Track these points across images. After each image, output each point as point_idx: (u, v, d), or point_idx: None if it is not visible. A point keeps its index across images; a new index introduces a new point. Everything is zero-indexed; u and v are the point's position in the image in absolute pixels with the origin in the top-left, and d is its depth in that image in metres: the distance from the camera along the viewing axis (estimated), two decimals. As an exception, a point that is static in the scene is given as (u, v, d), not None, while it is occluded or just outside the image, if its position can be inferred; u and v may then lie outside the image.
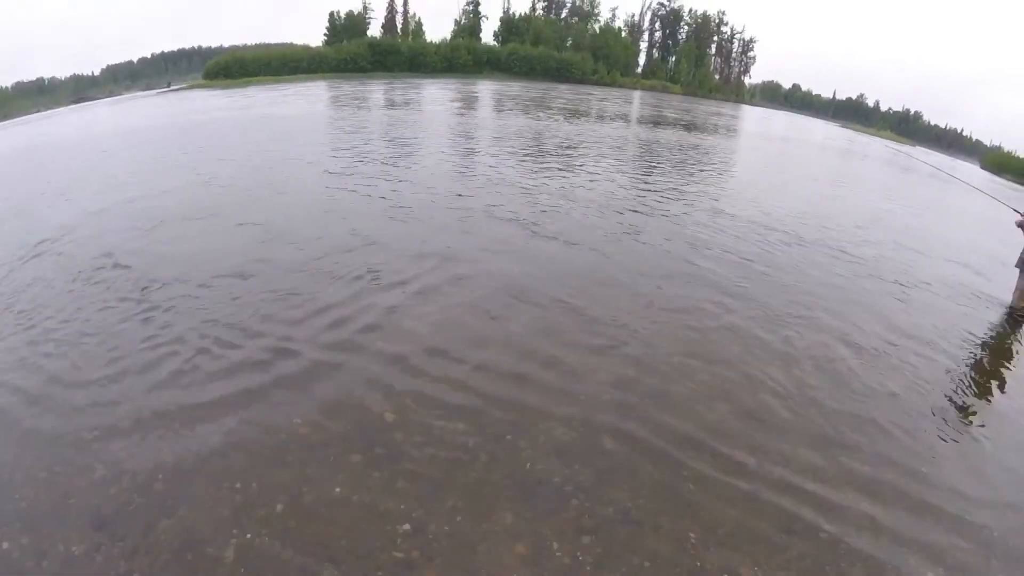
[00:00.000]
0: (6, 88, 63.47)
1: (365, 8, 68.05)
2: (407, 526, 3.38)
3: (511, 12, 72.70)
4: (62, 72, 74.64)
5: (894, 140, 51.66)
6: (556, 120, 25.12)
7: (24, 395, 4.62)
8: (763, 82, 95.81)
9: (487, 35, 72.43)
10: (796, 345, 5.87)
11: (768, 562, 3.33)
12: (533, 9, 75.11)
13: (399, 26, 69.57)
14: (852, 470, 4.16)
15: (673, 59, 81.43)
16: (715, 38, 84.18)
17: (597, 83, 64.23)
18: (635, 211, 10.52)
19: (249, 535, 3.29)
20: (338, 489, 3.64)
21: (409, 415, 4.35)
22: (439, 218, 9.11)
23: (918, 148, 47.94)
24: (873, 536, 3.59)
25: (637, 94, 59.01)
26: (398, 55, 60.77)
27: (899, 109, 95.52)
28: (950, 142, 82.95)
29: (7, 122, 39.98)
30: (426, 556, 3.20)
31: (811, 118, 69.15)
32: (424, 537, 3.32)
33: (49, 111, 46.92)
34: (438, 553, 3.22)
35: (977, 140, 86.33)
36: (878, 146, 39.65)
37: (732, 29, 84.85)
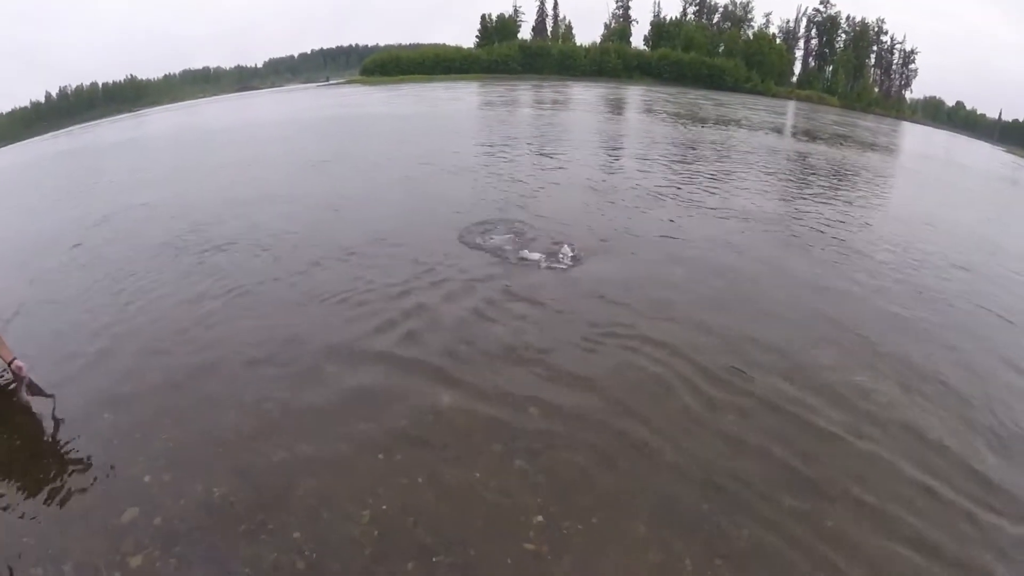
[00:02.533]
0: (175, 75, 70.62)
1: (516, 11, 69.13)
2: (540, 518, 3.18)
3: (662, 16, 71.00)
4: (227, 63, 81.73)
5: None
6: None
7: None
8: (925, 97, 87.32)
9: (637, 39, 71.23)
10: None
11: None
12: (684, 14, 72.76)
13: (549, 29, 70.07)
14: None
15: (830, 69, 76.01)
16: (874, 48, 77.43)
17: (750, 91, 61.17)
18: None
19: (385, 506, 3.21)
20: (478, 474, 3.47)
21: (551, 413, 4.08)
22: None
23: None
24: None
25: (792, 104, 55.56)
26: (548, 57, 61.29)
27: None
28: None
29: (176, 104, 44.62)
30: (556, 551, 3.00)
31: (974, 139, 61.33)
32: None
33: (215, 96, 51.69)
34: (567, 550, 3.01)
35: None
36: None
37: (892, 39, 77.64)
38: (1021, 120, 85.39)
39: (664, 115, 27.73)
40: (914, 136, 41.11)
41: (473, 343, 4.93)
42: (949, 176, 21.84)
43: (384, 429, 3.82)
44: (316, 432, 3.79)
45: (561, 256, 6.73)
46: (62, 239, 7.92)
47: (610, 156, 14.92)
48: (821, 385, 4.59)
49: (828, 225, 9.49)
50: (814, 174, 15.01)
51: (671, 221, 8.80)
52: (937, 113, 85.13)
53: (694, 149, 16.89)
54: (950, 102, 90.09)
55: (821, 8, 75.31)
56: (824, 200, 11.53)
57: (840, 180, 14.55)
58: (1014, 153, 54.50)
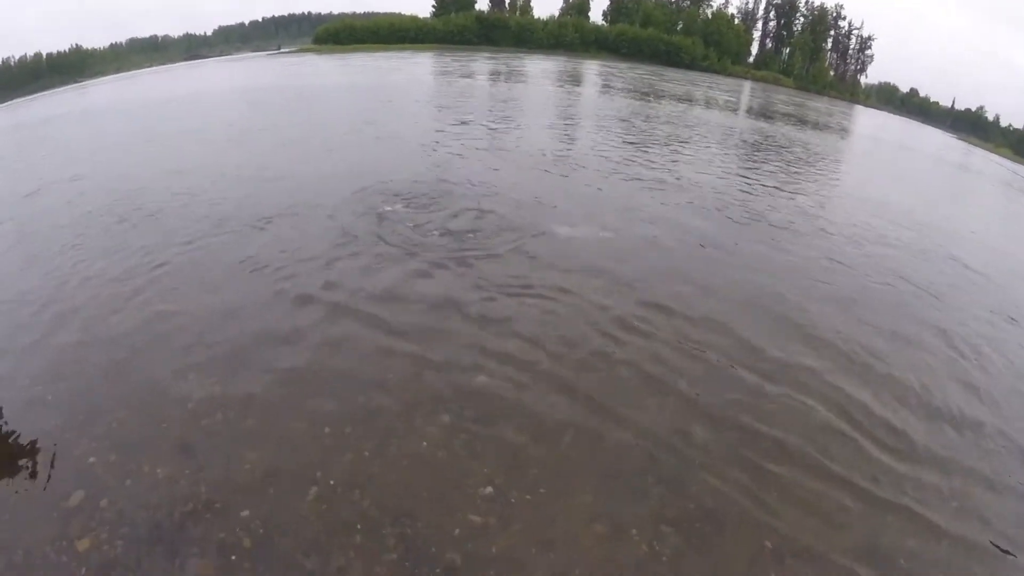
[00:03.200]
0: (121, 44, 67.71)
1: (473, -18, 67.80)
2: (489, 489, 3.27)
3: (620, -8, 70.76)
4: (175, 31, 78.72)
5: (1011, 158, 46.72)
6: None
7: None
8: (879, 83, 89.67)
9: (595, 14, 71.02)
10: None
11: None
12: (643, -9, 72.77)
13: (507, 1, 69.12)
14: None
15: (787, 51, 77.13)
16: (831, 32, 79.07)
17: (706, 70, 61.73)
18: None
19: (332, 480, 3.25)
20: (425, 444, 3.56)
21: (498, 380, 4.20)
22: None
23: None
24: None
25: (747, 84, 56.34)
26: (505, 30, 60.59)
27: (1020, 127, 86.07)
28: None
29: (122, 74, 42.91)
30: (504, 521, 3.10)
31: (926, 126, 63.36)
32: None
33: (162, 66, 49.81)
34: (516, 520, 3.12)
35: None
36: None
37: (850, 24, 79.55)
38: (973, 109, 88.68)
39: (619, 90, 27.87)
40: (867, 120, 42.29)
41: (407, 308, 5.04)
42: (899, 158, 22.71)
43: (328, 403, 3.84)
44: (260, 408, 3.78)
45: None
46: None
47: (559, 128, 14.99)
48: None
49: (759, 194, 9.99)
50: (760, 150, 15.41)
51: (599, 190, 9.15)
52: (891, 99, 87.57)
53: (647, 122, 17.10)
54: (904, 89, 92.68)
55: (781, -9, 76.36)
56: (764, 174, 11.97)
57: (784, 156, 15.01)
58: (965, 140, 56.62)
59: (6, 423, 3.68)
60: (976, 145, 55.15)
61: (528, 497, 3.23)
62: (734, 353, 4.84)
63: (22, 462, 3.37)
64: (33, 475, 3.28)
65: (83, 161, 10.68)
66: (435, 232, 6.61)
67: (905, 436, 4.16)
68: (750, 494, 3.41)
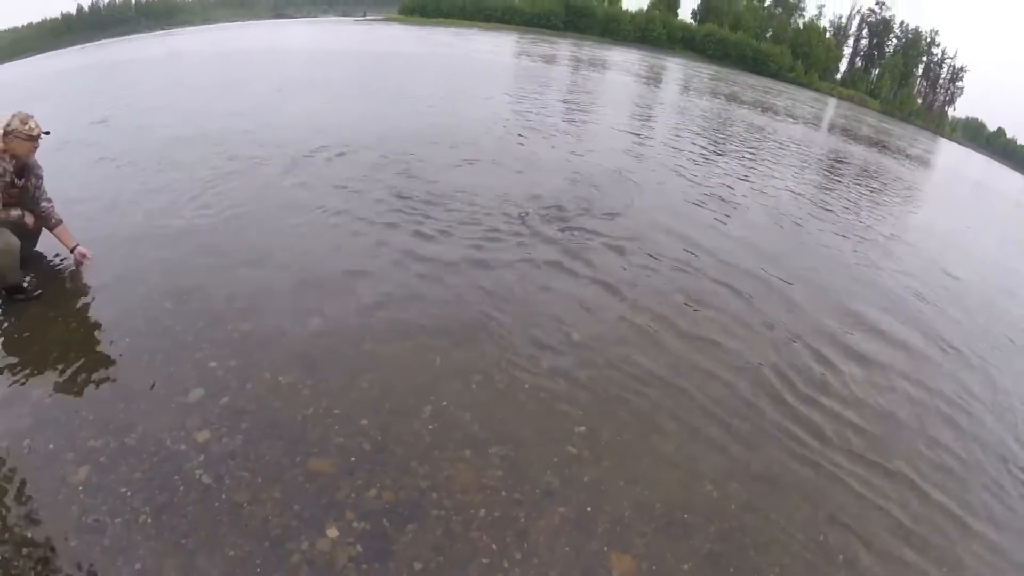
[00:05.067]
0: None
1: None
2: (582, 428, 3.56)
3: (713, -10, 69.19)
4: None
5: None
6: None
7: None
8: (967, 117, 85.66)
9: (684, 11, 69.71)
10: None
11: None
12: (736, -8, 70.99)
13: (595, -11, 68.39)
14: None
15: (876, 72, 74.37)
16: (923, 58, 75.99)
17: (793, 81, 60.04)
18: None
19: (445, 402, 3.54)
20: (527, 385, 3.84)
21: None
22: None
23: None
24: None
25: (832, 101, 54.52)
26: (592, 18, 60.20)
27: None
28: None
29: (208, 25, 44.07)
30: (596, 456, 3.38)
31: (1010, 168, 59.86)
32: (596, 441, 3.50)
33: (247, 21, 51.02)
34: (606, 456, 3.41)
35: None
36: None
37: (943, 52, 76.27)
38: None
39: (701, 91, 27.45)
40: (951, 155, 40.52)
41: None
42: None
43: (440, 336, 4.19)
44: (379, 332, 4.12)
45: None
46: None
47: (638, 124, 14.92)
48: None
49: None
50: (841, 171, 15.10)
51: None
52: (976, 135, 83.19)
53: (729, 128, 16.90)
54: (991, 127, 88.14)
55: (876, 8, 73.56)
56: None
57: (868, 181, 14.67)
58: None
59: (126, 324, 3.89)
60: None
61: (618, 438, 3.53)
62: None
63: (140, 359, 3.56)
64: (148, 371, 3.44)
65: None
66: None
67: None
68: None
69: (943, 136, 66.16)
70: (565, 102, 15.82)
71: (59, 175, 5.10)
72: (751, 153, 13.70)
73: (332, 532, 2.65)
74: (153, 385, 3.36)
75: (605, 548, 2.81)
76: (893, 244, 9.32)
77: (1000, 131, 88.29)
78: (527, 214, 6.57)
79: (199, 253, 4.89)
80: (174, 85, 13.68)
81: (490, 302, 4.74)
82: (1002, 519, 3.71)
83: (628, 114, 15.92)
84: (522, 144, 10.00)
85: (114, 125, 9.01)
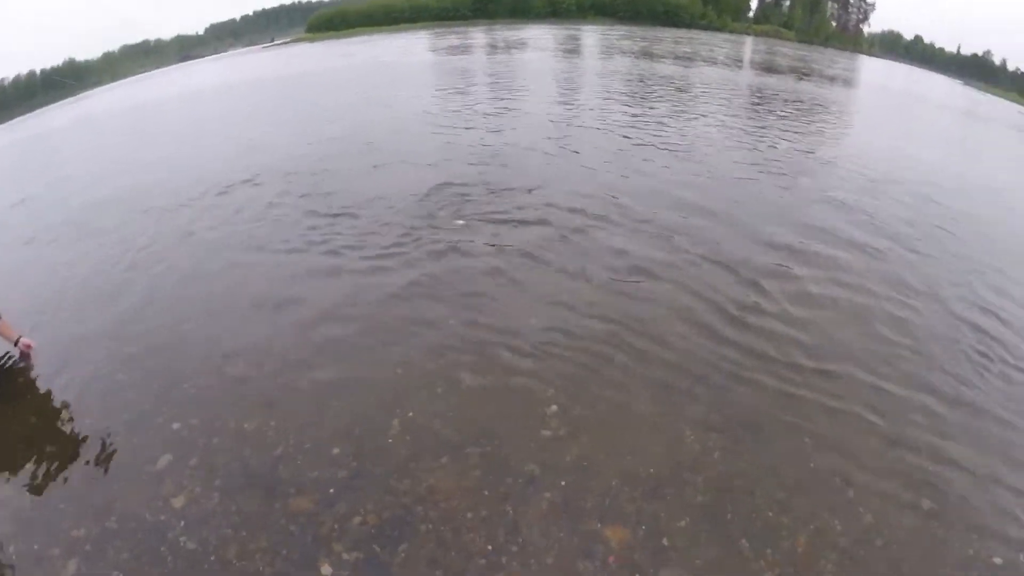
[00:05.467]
0: (114, 52, 68.01)
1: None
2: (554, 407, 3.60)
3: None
4: (166, 34, 78.88)
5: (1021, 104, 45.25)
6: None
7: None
8: (883, 31, 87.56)
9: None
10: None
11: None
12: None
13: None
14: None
15: (787, 4, 75.53)
16: (832, -18, 77.26)
17: (707, 27, 60.76)
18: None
19: (412, 413, 3.53)
20: (491, 377, 3.87)
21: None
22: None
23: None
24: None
25: (749, 40, 55.39)
26: (499, 1, 59.83)
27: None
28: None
29: (117, 82, 43.01)
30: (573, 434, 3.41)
31: (933, 73, 61.76)
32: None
33: (155, 70, 49.85)
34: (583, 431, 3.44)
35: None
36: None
37: (851, -28, 77.57)
38: (980, 54, 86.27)
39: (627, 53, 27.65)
40: (872, 69, 41.54)
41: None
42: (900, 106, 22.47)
43: (393, 348, 4.15)
44: (334, 357, 4.08)
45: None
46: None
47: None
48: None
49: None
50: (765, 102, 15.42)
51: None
52: (895, 47, 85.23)
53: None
54: (908, 36, 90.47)
55: (778, -58, 74.60)
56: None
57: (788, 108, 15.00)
58: (971, 86, 55.26)
59: (83, 404, 3.81)
60: (985, 91, 53.59)
61: (591, 412, 3.56)
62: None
63: (104, 437, 3.47)
64: (115, 448, 3.38)
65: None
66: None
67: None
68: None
69: (862, 53, 67.86)
70: (478, 87, 15.83)
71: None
72: (671, 103, 13.87)
73: (326, 569, 2.62)
74: (122, 461, 3.30)
75: (598, 524, 2.84)
76: (812, 163, 9.59)
77: (917, 38, 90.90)
78: (441, 208, 6.59)
79: (139, 317, 4.77)
80: (87, 149, 13.45)
81: (430, 304, 4.73)
82: (966, 397, 3.88)
83: (541, 89, 15.71)
84: (437, 135, 10.02)
85: (32, 203, 8.74)
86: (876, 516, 2.99)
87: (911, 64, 68.91)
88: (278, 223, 6.46)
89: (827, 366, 4.07)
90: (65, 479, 3.23)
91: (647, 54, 26.83)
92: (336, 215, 6.51)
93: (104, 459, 3.33)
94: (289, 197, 7.23)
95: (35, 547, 2.83)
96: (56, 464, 3.34)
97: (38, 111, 37.20)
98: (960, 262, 6.07)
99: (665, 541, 2.79)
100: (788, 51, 43.05)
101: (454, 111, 12.20)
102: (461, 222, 6.25)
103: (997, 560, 2.83)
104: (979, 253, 6.33)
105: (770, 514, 2.95)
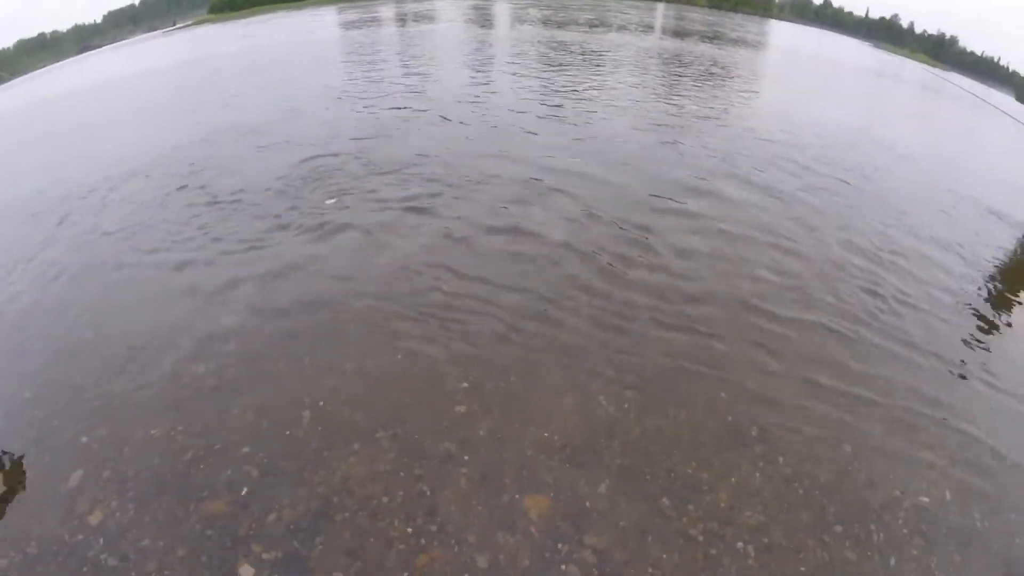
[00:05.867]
0: (8, 48, 62.87)
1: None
2: (465, 384, 3.61)
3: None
4: (63, 25, 73.46)
5: (928, 64, 47.76)
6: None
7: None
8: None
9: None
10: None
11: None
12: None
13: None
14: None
15: (697, -31, 76.38)
16: (740, -54, 78.52)
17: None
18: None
19: (322, 402, 3.48)
20: (399, 357, 3.84)
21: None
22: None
23: (952, 74, 42.17)
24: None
25: (660, 7, 55.92)
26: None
27: (934, 32, 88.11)
28: (986, 70, 75.95)
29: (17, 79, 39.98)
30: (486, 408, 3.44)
31: (842, 36, 64.27)
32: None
33: (53, 65, 46.42)
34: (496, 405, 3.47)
35: (1014, 71, 78.74)
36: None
37: (757, -65, 79.05)
38: (887, 17, 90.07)
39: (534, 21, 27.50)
40: (782, 33, 42.81)
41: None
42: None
43: (299, 339, 4.07)
44: (236, 354, 3.95)
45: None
46: None
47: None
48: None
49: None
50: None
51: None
52: (805, 11, 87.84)
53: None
54: (818, 0, 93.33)
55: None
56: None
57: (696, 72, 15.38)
58: (880, 48, 57.76)
59: None
60: (893, 52, 56.10)
61: (503, 384, 3.60)
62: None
63: (12, 460, 3.36)
64: (24, 471, 3.27)
65: None
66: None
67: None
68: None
69: (772, 18, 69.59)
70: (380, 63, 15.29)
71: None
72: (579, 68, 13.95)
73: (246, 570, 2.60)
74: (35, 481, 3.19)
75: (517, 496, 2.89)
76: (709, 124, 9.85)
77: (827, 3, 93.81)
78: (333, 194, 6.45)
79: (39, 334, 4.49)
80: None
81: (326, 287, 4.68)
82: (861, 317, 4.21)
83: (448, 61, 15.70)
84: (327, 111, 9.88)
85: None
86: (796, 464, 3.13)
87: (821, 28, 71.37)
88: (164, 219, 6.15)
89: (726, 314, 4.30)
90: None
91: (554, 22, 26.77)
92: (212, 204, 6.33)
93: (17, 482, 3.21)
94: (175, 190, 6.89)
95: (-43, 588, 2.71)
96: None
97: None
98: (849, 211, 6.45)
99: (587, 505, 2.87)
100: (698, 16, 43.74)
101: (352, 87, 12.00)
102: (332, 200, 6.19)
103: (924, 499, 3.00)
104: (866, 202, 6.75)
105: (689, 471, 3.06)
